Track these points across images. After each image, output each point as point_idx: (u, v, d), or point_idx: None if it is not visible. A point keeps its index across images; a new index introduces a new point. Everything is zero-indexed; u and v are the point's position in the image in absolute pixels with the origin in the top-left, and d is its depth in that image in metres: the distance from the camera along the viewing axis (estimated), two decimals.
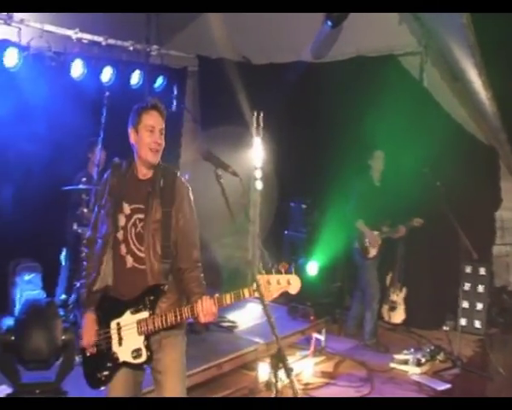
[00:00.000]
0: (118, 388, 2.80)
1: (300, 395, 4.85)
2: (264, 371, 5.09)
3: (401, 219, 5.95)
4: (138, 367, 2.79)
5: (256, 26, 7.03)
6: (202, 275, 2.85)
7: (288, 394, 4.89)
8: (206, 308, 2.65)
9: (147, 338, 2.73)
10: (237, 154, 7.47)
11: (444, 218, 5.45)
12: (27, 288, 5.27)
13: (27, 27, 5.32)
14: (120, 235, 2.81)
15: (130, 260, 2.79)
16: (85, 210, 5.03)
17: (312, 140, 7.02)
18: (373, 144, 5.95)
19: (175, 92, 7.09)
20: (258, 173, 7.54)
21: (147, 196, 2.80)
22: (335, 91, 6.80)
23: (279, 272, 2.64)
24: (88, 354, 2.83)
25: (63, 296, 5.47)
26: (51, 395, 3.50)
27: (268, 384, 5.00)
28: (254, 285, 2.63)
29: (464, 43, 5.25)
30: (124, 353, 2.76)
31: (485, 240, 6.56)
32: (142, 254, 2.77)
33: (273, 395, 2.59)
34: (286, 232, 6.83)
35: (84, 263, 2.92)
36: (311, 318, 5.76)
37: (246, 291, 2.64)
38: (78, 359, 3.26)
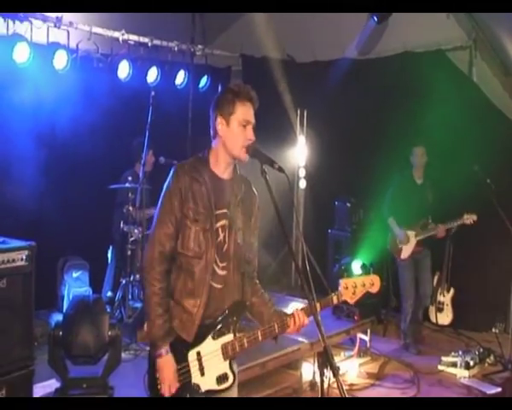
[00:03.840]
0: None
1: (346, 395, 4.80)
2: (308, 370, 5.08)
3: (444, 218, 5.64)
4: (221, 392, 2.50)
5: (300, 23, 7.00)
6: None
7: (333, 394, 4.86)
8: (300, 323, 2.48)
9: (231, 361, 2.50)
10: (281, 152, 7.48)
11: (494, 216, 5.26)
12: (75, 285, 5.39)
13: (76, 30, 5.46)
14: (204, 249, 2.42)
15: (209, 279, 2.45)
16: (131, 208, 5.13)
17: (357, 138, 6.92)
18: (418, 141, 5.78)
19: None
20: (302, 172, 7.54)
21: (233, 200, 2.49)
22: (381, 88, 6.70)
23: (360, 274, 2.63)
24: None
25: (109, 294, 5.59)
26: (98, 389, 3.58)
27: (312, 384, 5.00)
28: (342, 289, 2.58)
29: None
30: (207, 382, 2.47)
31: None
32: (221, 272, 2.46)
33: (319, 395, 2.53)
34: (330, 231, 6.76)
35: (158, 286, 2.42)
36: (356, 318, 5.68)
37: (334, 297, 2.57)
38: (124, 355, 3.20)
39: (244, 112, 2.42)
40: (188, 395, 2.45)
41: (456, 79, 6.45)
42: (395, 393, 4.84)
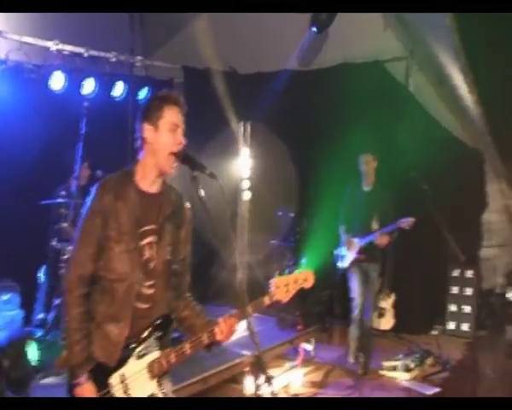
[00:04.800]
0: None
1: None
2: (250, 383, 5.02)
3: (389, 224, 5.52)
4: None
5: (243, 35, 7.03)
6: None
7: None
8: (228, 328, 2.38)
9: (159, 380, 2.39)
10: (225, 164, 7.45)
11: (431, 222, 5.40)
12: (5, 308, 5.10)
13: (5, 40, 5.25)
14: (128, 271, 2.33)
15: (134, 300, 2.36)
16: (65, 225, 4.95)
17: (300, 148, 6.99)
18: (361, 150, 5.84)
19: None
20: (246, 184, 7.50)
21: (162, 215, 2.41)
22: (322, 99, 6.80)
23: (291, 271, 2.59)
24: None
25: (41, 315, 5.32)
26: None
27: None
28: (273, 289, 2.46)
29: (449, 46, 5.24)
30: None
31: (472, 243, 6.57)
32: (147, 291, 2.37)
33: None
34: (273, 242, 6.77)
35: (77, 310, 2.31)
36: (300, 327, 5.68)
37: (266, 298, 2.46)
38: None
39: (172, 116, 2.36)
40: None
41: (393, 89, 6.64)
42: None
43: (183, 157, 2.37)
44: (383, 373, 5.41)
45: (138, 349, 2.37)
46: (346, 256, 5.62)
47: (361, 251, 5.52)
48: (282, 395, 5.01)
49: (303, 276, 2.57)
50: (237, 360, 4.89)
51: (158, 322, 2.41)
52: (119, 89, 6.37)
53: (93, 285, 2.35)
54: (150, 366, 2.36)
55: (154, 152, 2.36)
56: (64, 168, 5.50)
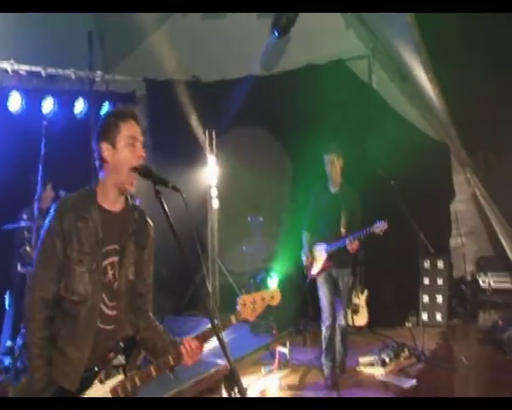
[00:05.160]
0: None
1: None
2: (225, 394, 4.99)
3: (358, 227, 5.13)
4: None
5: (204, 43, 7.04)
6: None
7: None
8: (193, 350, 2.37)
9: None
10: (192, 174, 7.43)
11: (400, 216, 5.43)
12: None
13: None
14: (90, 293, 2.27)
15: (97, 322, 2.31)
16: (28, 249, 4.86)
17: (267, 152, 7.01)
18: (327, 150, 5.74)
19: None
20: (214, 192, 7.49)
21: (125, 234, 2.37)
22: (287, 102, 6.84)
23: (258, 288, 2.58)
24: None
25: (9, 343, 5.16)
26: None
27: None
28: (240, 307, 2.50)
29: (410, 42, 5.32)
30: None
31: (441, 234, 6.68)
32: (111, 312, 2.33)
33: None
34: (244, 248, 6.76)
35: (38, 335, 2.24)
36: (274, 332, 5.67)
37: (233, 317, 2.48)
38: None
39: (130, 129, 2.33)
40: None
41: (357, 87, 6.72)
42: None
43: (144, 172, 2.32)
44: (360, 370, 5.43)
45: (102, 373, 2.31)
46: (313, 265, 5.22)
47: (329, 258, 5.12)
48: None
49: (270, 294, 2.61)
50: (212, 371, 4.84)
51: (122, 345, 2.38)
52: (79, 106, 6.32)
53: (55, 309, 2.28)
54: (114, 390, 2.30)
55: (115, 170, 2.32)
56: (27, 191, 5.41)
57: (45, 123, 5.02)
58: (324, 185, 5.33)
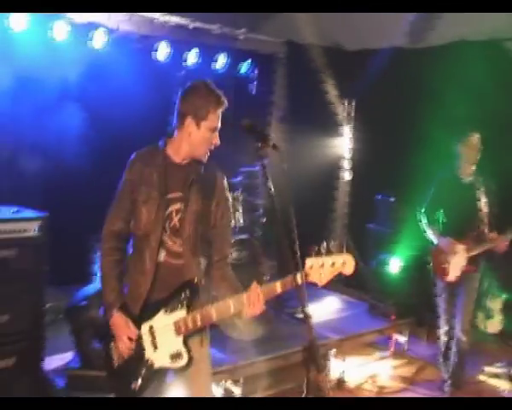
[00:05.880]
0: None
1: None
2: (335, 368, 4.83)
3: (503, 226, 4.42)
4: (176, 371, 2.53)
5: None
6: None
7: (362, 395, 4.57)
8: (254, 298, 2.37)
9: (185, 339, 2.48)
10: (325, 143, 7.24)
11: None
12: None
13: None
14: (152, 227, 2.52)
15: (162, 254, 2.53)
16: None
17: (404, 130, 6.57)
18: (465, 132, 4.70)
19: (261, 79, 6.89)
20: (347, 164, 7.26)
21: (187, 183, 2.55)
22: (433, 79, 6.32)
23: (329, 252, 2.32)
24: (115, 366, 2.55)
25: None
26: None
27: (340, 382, 4.75)
28: (307, 269, 2.32)
29: None
30: (160, 358, 2.50)
31: None
32: (178, 249, 2.53)
33: (303, 395, 2.29)
34: (369, 226, 6.44)
35: (108, 258, 2.62)
36: (392, 317, 5.35)
37: (298, 277, 2.28)
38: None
39: (215, 119, 2.50)
40: (143, 372, 2.48)
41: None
42: None
43: (249, 128, 2.39)
44: (483, 379, 4.93)
45: (167, 304, 2.48)
46: (450, 269, 4.42)
47: (470, 261, 4.38)
48: (368, 385, 4.77)
49: (341, 259, 2.33)
50: (322, 342, 4.70)
51: (189, 281, 2.49)
52: (221, 61, 6.37)
53: (123, 241, 2.62)
54: (176, 324, 2.46)
55: (192, 143, 2.52)
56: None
57: (183, 73, 5.09)
58: (454, 172, 4.57)
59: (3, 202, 3.76)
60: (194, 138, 2.51)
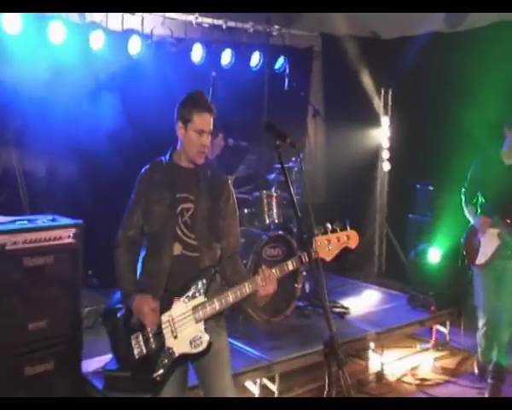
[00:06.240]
0: (171, 387, 2.66)
1: (414, 391, 4.52)
2: (375, 361, 4.85)
3: None
4: (197, 357, 2.64)
5: None
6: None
7: (402, 389, 4.55)
8: (267, 277, 2.57)
9: (205, 324, 2.60)
10: (363, 133, 7.20)
11: None
12: None
13: (150, 15, 5.58)
14: (166, 221, 2.69)
15: (178, 247, 2.68)
16: None
17: (444, 117, 6.42)
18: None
19: (296, 73, 6.87)
20: (386, 154, 7.19)
21: (195, 183, 2.74)
22: (472, 63, 6.13)
23: (334, 230, 2.63)
24: (137, 358, 2.63)
25: None
26: None
27: (379, 376, 4.76)
28: (314, 247, 2.56)
29: None
30: (180, 345, 2.60)
31: None
32: (193, 242, 2.69)
33: (325, 394, 2.35)
34: (411, 215, 6.37)
35: (123, 259, 2.78)
36: (432, 308, 5.29)
37: (306, 254, 2.57)
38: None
39: (200, 122, 2.65)
40: (164, 361, 2.59)
41: None
42: (470, 393, 4.46)
43: (267, 126, 2.54)
44: None
45: (185, 292, 2.61)
46: (480, 252, 4.38)
47: (503, 245, 4.29)
48: (409, 377, 4.76)
49: (345, 235, 2.65)
50: (359, 336, 4.72)
51: (205, 269, 2.65)
52: (255, 59, 6.44)
53: (138, 244, 2.78)
54: (195, 310, 2.59)
55: (183, 146, 2.72)
56: None
57: (214, 74, 5.20)
58: (497, 154, 4.45)
59: (40, 211, 3.93)
60: (184, 141, 2.70)
